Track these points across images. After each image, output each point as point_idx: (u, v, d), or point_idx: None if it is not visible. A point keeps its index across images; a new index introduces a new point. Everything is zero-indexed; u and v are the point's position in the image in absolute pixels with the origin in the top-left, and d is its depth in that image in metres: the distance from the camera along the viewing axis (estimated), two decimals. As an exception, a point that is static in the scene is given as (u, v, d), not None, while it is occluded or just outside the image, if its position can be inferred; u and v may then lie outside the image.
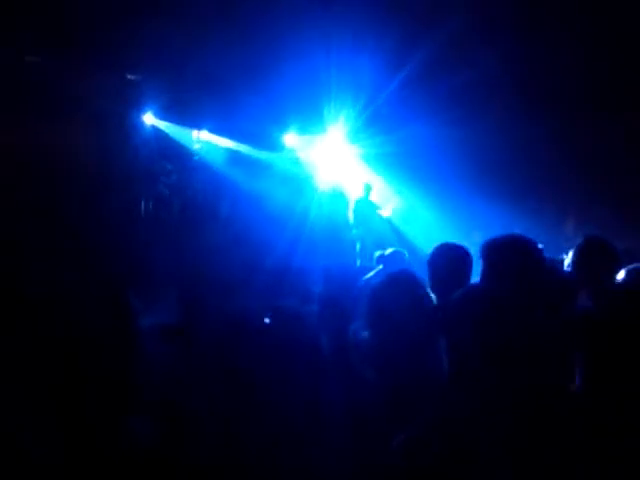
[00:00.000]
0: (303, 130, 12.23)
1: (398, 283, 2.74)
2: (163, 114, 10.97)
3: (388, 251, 6.02)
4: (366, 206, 11.63)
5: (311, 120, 11.66)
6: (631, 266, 3.51)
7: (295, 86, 9.98)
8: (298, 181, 12.20)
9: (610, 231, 6.74)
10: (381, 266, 5.80)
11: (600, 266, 3.50)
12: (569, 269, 3.77)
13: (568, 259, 4.05)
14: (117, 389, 1.84)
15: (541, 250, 2.79)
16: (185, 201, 11.55)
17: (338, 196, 12.32)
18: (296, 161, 12.52)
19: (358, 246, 11.15)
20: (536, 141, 10.57)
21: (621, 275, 3.47)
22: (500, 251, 2.68)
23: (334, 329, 2.69)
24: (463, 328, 1.95)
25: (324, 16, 8.03)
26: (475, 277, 3.10)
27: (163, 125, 11.20)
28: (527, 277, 2.60)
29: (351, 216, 11.64)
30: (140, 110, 10.69)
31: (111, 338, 1.80)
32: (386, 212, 12.01)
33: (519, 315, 2.12)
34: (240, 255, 9.08)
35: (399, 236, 11.62)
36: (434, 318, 2.59)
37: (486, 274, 2.70)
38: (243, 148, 12.01)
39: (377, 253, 6.26)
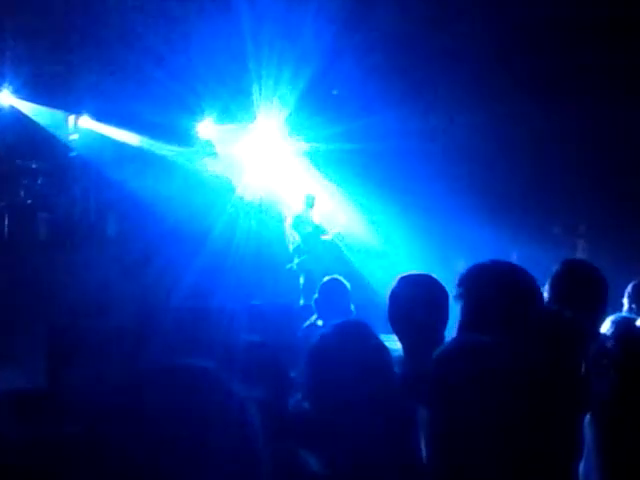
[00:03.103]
0: (223, 118, 12.13)
1: (346, 339, 2.73)
2: (26, 92, 10.74)
3: (324, 280, 6.13)
4: (309, 225, 11.61)
5: (234, 104, 11.59)
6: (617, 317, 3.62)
7: (211, 56, 9.86)
8: (216, 188, 12.08)
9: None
10: (315, 316, 5.98)
11: (580, 300, 3.54)
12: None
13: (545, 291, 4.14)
14: None
15: (534, 282, 2.78)
16: (56, 215, 11.30)
17: (272, 210, 12.28)
18: (214, 160, 12.42)
19: (302, 280, 11.04)
20: (542, 136, 10.70)
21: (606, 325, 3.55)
22: (482, 287, 2.72)
23: (267, 397, 2.67)
24: (456, 400, 1.94)
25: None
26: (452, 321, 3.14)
27: (26, 107, 10.97)
28: (521, 322, 2.63)
29: (291, 238, 11.59)
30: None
31: None
32: (333, 233, 12.00)
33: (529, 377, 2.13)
34: (134, 292, 8.85)
35: (350, 266, 11.56)
36: (402, 386, 2.63)
37: (469, 321, 2.72)
38: (140, 141, 11.87)
39: (316, 295, 6.29)
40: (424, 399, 2.37)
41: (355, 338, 2.76)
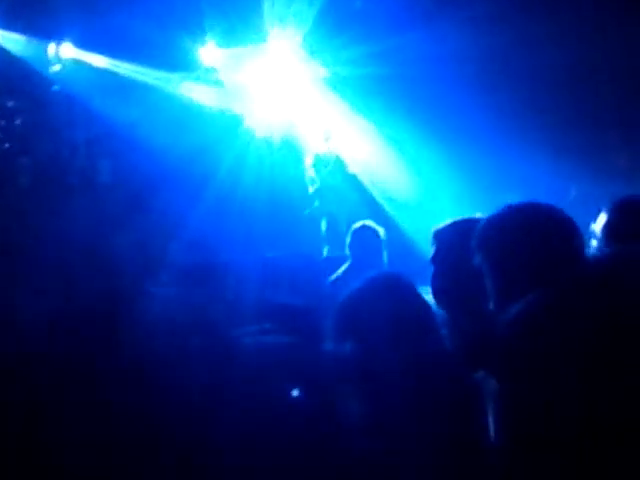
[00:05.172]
0: (228, 39, 12.06)
1: (382, 294, 2.77)
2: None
3: (355, 227, 6.20)
4: (330, 163, 11.66)
5: (241, 22, 11.58)
6: None
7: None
8: (221, 122, 12.13)
9: None
10: (348, 263, 6.05)
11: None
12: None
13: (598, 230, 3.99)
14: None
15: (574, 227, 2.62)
16: (38, 159, 11.40)
17: (288, 147, 12.31)
18: (218, 90, 12.42)
19: (324, 226, 11.15)
20: (611, 52, 10.62)
21: None
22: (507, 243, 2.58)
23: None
24: (539, 370, 1.97)
25: None
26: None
27: (-2, 35, 11.05)
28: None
29: (310, 179, 11.68)
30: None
31: None
32: (360, 170, 12.10)
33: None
34: (131, 246, 8.92)
35: (381, 208, 11.82)
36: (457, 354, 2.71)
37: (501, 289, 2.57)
38: (132, 70, 11.87)
39: (349, 239, 6.39)
40: (494, 370, 2.32)
41: (393, 293, 2.73)
